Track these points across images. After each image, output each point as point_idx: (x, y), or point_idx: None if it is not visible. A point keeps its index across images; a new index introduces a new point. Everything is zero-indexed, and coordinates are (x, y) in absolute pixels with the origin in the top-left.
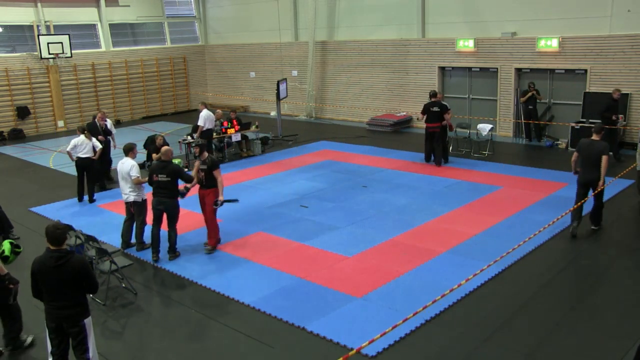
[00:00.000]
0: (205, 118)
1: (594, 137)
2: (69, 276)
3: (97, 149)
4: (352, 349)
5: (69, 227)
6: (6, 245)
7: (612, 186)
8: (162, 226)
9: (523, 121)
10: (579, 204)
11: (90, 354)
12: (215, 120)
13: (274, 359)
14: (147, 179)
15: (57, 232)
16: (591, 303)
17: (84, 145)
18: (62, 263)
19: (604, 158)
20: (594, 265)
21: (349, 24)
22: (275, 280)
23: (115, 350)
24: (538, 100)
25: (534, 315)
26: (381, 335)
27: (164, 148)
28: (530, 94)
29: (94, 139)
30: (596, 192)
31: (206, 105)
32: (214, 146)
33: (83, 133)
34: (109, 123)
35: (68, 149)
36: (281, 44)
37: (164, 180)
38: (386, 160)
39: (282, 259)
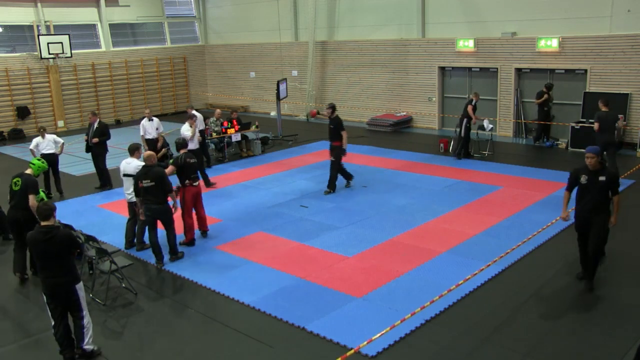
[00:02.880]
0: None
1: (604, 108)
2: (56, 247)
3: (59, 144)
4: (352, 349)
5: (54, 206)
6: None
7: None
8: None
9: (538, 122)
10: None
11: (84, 312)
12: (216, 120)
13: (274, 359)
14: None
15: (43, 208)
16: (591, 303)
17: (45, 143)
18: (50, 237)
19: (619, 122)
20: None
21: (349, 24)
22: (275, 280)
23: (115, 350)
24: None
25: (533, 315)
26: (380, 335)
27: (146, 153)
28: (545, 96)
29: (54, 136)
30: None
31: (193, 108)
32: (213, 145)
33: (44, 131)
34: (156, 122)
35: (31, 147)
36: (281, 44)
37: (149, 185)
38: (386, 160)
39: (282, 259)
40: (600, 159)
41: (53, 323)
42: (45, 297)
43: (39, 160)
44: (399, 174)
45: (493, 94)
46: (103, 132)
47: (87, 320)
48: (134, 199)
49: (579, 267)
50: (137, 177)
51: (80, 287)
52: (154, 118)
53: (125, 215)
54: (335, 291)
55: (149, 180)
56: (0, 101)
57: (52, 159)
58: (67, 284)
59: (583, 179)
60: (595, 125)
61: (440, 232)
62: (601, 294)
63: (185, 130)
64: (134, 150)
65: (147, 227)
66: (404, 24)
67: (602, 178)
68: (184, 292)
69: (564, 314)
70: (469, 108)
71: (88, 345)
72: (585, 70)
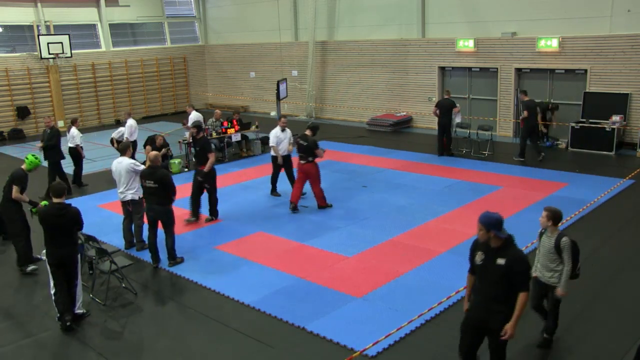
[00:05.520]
0: (194, 120)
1: (526, 97)
2: (68, 222)
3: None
4: (352, 349)
5: (66, 186)
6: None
7: (611, 186)
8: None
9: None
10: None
11: (78, 281)
12: (215, 120)
13: (274, 359)
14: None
15: (58, 186)
16: (591, 303)
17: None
18: (63, 213)
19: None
20: (594, 266)
21: (349, 24)
22: (275, 280)
23: (115, 350)
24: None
25: (533, 315)
26: (386, 337)
27: (152, 153)
28: (525, 113)
29: (73, 131)
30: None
31: (194, 108)
32: (213, 146)
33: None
34: (130, 122)
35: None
36: (281, 44)
37: (152, 186)
38: (386, 160)
39: (282, 259)
40: (494, 234)
41: (54, 290)
42: (49, 267)
43: (32, 155)
44: (399, 174)
45: (493, 94)
46: (50, 139)
47: (79, 288)
48: (127, 198)
49: (578, 267)
50: (142, 176)
51: (78, 257)
52: (127, 120)
53: None
54: (335, 291)
55: (152, 182)
56: (0, 101)
57: (72, 153)
58: (72, 252)
59: (478, 257)
60: (525, 113)
61: (440, 232)
62: (601, 294)
63: (274, 135)
64: (124, 149)
65: (147, 227)
66: (404, 24)
67: (500, 261)
68: (184, 292)
69: (563, 314)
70: (456, 110)
71: (79, 310)
72: (585, 70)
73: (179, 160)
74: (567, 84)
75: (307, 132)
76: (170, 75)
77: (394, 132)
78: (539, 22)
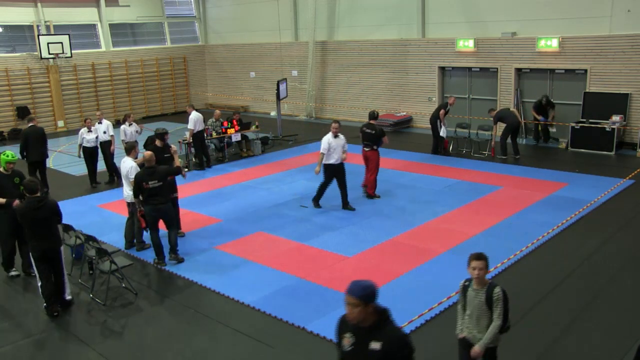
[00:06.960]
0: (195, 120)
1: (495, 111)
2: (47, 213)
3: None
4: None
5: (39, 181)
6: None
7: (611, 186)
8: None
9: (544, 122)
10: None
11: (64, 271)
12: (215, 121)
13: (274, 359)
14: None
15: (31, 184)
16: (591, 303)
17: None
18: (41, 205)
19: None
20: (594, 266)
21: (349, 24)
22: (275, 280)
23: (115, 350)
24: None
25: (533, 316)
26: None
27: (147, 153)
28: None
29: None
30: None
31: (194, 108)
32: (213, 146)
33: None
34: (105, 124)
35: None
36: (281, 44)
37: (156, 186)
38: (386, 160)
39: (282, 259)
40: (373, 309)
41: (40, 283)
42: (34, 261)
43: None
44: (399, 174)
45: (493, 94)
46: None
47: (65, 277)
48: (129, 200)
49: (578, 267)
50: (141, 179)
51: (62, 249)
52: (103, 121)
53: (125, 215)
54: (335, 291)
55: (155, 181)
56: (0, 101)
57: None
58: (54, 244)
59: (347, 341)
60: (494, 128)
61: (440, 232)
62: (601, 295)
63: (326, 141)
64: (130, 150)
65: (149, 228)
66: (404, 24)
67: (375, 346)
68: (184, 292)
69: (563, 314)
70: (442, 112)
71: (68, 296)
72: (585, 70)
73: (180, 160)
74: (567, 84)
75: (372, 122)
76: (170, 75)
77: (394, 132)
78: (539, 22)
